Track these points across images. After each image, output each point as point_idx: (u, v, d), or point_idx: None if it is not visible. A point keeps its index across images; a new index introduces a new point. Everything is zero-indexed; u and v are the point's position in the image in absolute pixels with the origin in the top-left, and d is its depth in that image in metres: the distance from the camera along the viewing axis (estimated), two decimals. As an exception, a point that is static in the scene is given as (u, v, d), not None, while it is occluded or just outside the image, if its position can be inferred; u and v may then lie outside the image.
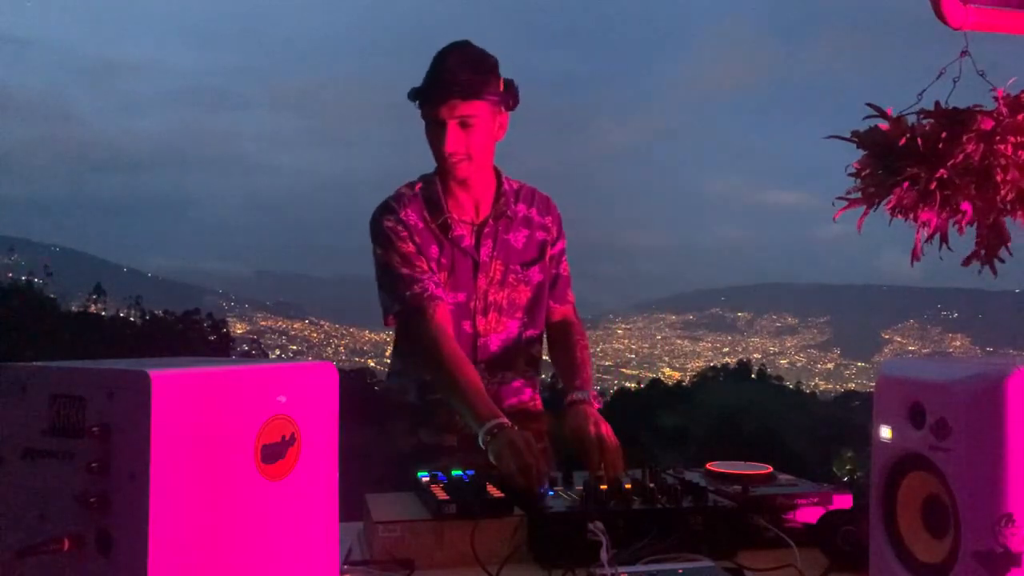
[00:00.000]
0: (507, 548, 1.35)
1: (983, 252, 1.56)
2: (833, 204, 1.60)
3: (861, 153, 1.58)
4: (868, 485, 1.16)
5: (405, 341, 2.06)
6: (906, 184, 1.51)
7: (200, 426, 0.88)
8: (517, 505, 1.43)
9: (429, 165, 2.02)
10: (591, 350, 2.19)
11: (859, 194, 1.59)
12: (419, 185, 2.03)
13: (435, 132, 1.93)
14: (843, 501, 1.55)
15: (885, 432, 1.11)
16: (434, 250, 1.98)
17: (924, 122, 1.53)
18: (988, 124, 1.47)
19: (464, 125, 1.90)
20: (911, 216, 1.55)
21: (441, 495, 1.41)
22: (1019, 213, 1.52)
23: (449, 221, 1.98)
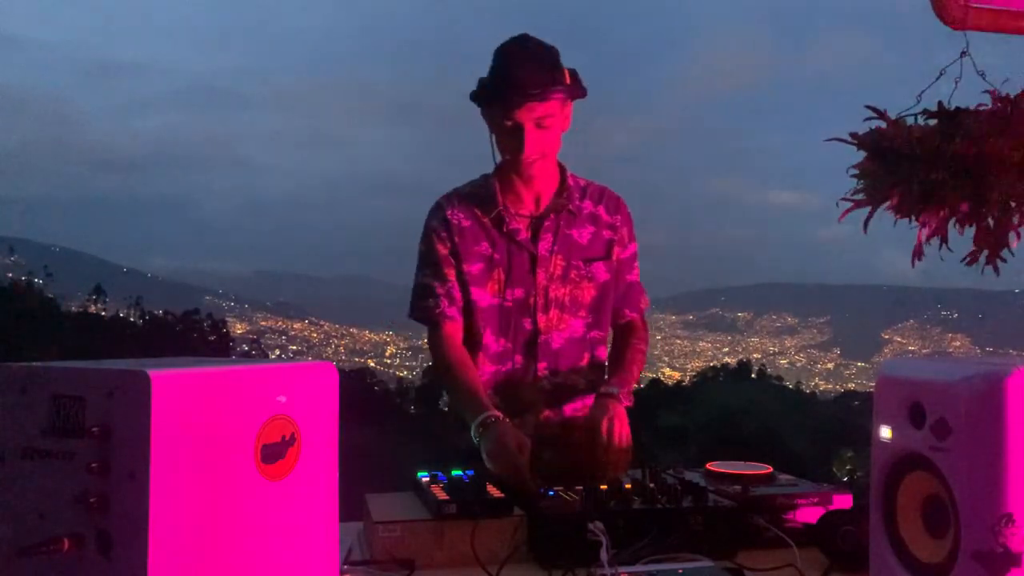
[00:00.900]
0: (507, 548, 1.35)
1: (984, 252, 1.56)
2: (837, 205, 1.60)
3: (862, 154, 1.58)
4: (868, 485, 1.15)
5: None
6: (906, 185, 1.51)
7: (200, 426, 0.88)
8: (516, 505, 1.43)
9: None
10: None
11: (862, 195, 1.59)
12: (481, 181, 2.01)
13: (510, 134, 1.86)
14: (843, 501, 1.55)
15: (885, 432, 1.11)
16: (484, 247, 1.95)
17: (923, 123, 1.53)
18: (982, 125, 1.47)
19: (540, 126, 1.85)
20: (912, 217, 1.55)
21: (441, 495, 1.41)
22: (1016, 213, 1.52)
23: (503, 215, 1.95)
